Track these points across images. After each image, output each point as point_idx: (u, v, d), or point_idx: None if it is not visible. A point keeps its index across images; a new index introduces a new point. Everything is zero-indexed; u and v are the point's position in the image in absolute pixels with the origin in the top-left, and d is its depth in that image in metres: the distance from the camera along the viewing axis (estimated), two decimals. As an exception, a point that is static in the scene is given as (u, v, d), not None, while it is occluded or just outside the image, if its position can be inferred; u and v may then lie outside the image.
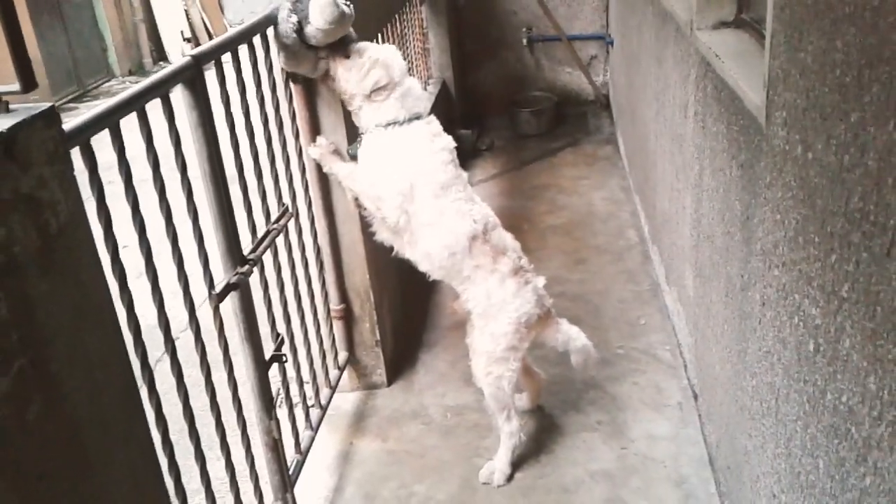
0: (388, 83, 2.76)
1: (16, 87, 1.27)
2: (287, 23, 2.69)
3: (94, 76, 11.51)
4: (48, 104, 1.31)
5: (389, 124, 2.77)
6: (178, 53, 11.96)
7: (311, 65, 2.81)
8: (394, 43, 4.74)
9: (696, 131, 2.95)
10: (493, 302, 2.77)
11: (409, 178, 2.75)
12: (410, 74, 2.93)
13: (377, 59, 2.77)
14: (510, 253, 2.81)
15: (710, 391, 2.84)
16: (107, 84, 11.54)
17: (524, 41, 6.88)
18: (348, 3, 2.77)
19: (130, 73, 11.92)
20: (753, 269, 2.15)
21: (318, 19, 2.69)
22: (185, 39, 12.40)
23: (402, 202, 2.75)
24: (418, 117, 2.82)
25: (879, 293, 1.33)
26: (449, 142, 2.86)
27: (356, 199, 2.92)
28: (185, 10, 12.56)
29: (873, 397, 1.36)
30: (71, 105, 10.32)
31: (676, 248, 3.49)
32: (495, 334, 2.77)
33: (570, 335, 2.92)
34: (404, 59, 5.27)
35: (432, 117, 2.89)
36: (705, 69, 2.75)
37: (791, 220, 1.81)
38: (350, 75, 2.77)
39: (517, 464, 2.93)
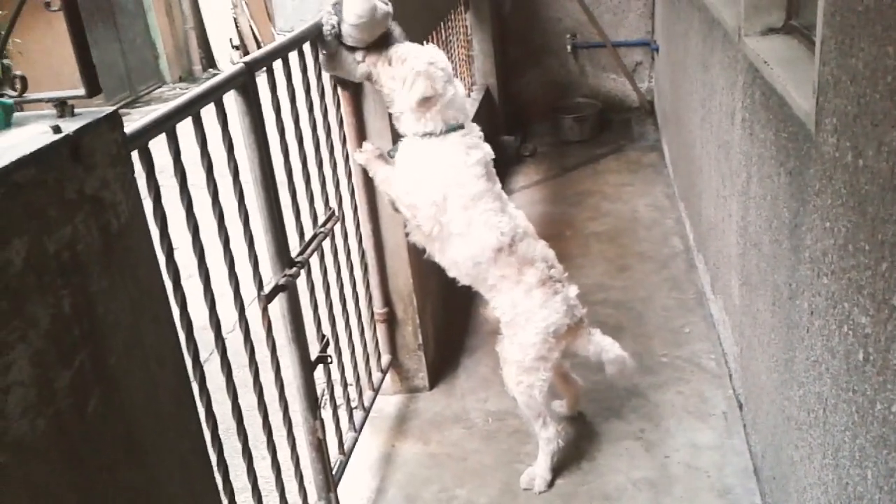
0: (433, 97, 2.71)
1: (81, 91, 1.33)
2: (327, 25, 2.73)
3: (146, 82, 11.81)
4: (112, 108, 1.36)
5: (426, 134, 2.76)
6: (227, 61, 12.22)
7: (349, 67, 2.82)
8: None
9: (744, 138, 2.92)
10: (519, 312, 2.77)
11: (442, 189, 2.76)
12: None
13: (420, 70, 2.70)
14: (538, 263, 2.79)
15: (756, 401, 2.80)
16: (158, 90, 11.82)
17: (568, 48, 6.87)
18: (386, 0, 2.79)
19: (181, 80, 12.19)
20: (801, 278, 2.13)
21: (350, 15, 2.70)
22: (233, 47, 12.64)
23: (436, 212, 2.77)
24: (458, 128, 2.78)
25: (932, 302, 1.31)
26: (485, 153, 2.83)
27: (393, 204, 2.94)
28: (234, 19, 12.79)
29: (924, 407, 1.34)
30: (123, 111, 10.48)
31: (722, 256, 3.45)
32: (523, 344, 2.77)
33: (603, 346, 2.88)
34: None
35: (473, 127, 2.86)
36: (753, 75, 2.73)
37: (841, 228, 1.78)
38: (395, 84, 2.75)
39: (558, 470, 2.93)
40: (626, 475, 2.90)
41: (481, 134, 2.89)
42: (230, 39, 12.73)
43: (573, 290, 2.85)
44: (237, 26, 12.83)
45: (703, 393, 3.30)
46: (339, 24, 2.72)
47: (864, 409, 1.64)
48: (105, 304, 1.30)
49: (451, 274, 2.92)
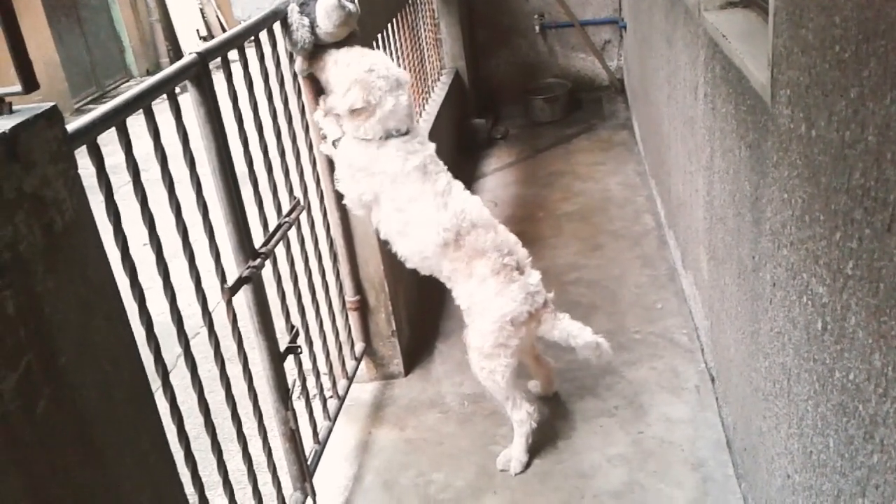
0: (365, 107, 2.68)
1: (18, 88, 1.30)
2: (302, 28, 2.71)
3: (113, 77, 11.64)
4: (50, 104, 1.33)
5: (365, 139, 2.74)
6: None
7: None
8: (405, 35, 4.75)
9: (707, 113, 2.92)
10: (476, 301, 2.78)
11: (374, 189, 2.79)
12: (412, 80, 2.83)
13: (357, 79, 2.67)
14: (490, 253, 2.75)
15: (726, 373, 2.82)
16: (125, 84, 11.66)
17: (536, 28, 6.84)
18: (353, 0, 2.78)
19: (148, 73, 12.01)
20: (763, 250, 2.14)
21: (326, 23, 2.72)
22: (201, 38, 12.48)
23: (360, 206, 2.88)
24: (398, 134, 2.74)
25: (882, 269, 1.32)
26: (425, 156, 2.79)
27: None
28: (201, 9, 12.62)
29: (879, 374, 1.35)
30: (91, 106, 10.45)
31: (691, 231, 3.47)
32: (481, 332, 2.77)
33: (570, 331, 2.82)
34: (416, 50, 5.23)
35: (417, 131, 2.83)
36: (713, 50, 2.73)
37: (797, 199, 1.79)
38: (336, 87, 2.73)
39: (534, 450, 2.94)
40: (601, 452, 2.92)
41: (425, 137, 2.87)
42: (197, 30, 12.57)
43: (535, 277, 2.80)
44: (204, 16, 12.67)
45: (676, 368, 3.32)
46: (311, 25, 2.72)
47: (825, 378, 1.66)
48: (52, 303, 1.28)
49: (408, 266, 2.95)
